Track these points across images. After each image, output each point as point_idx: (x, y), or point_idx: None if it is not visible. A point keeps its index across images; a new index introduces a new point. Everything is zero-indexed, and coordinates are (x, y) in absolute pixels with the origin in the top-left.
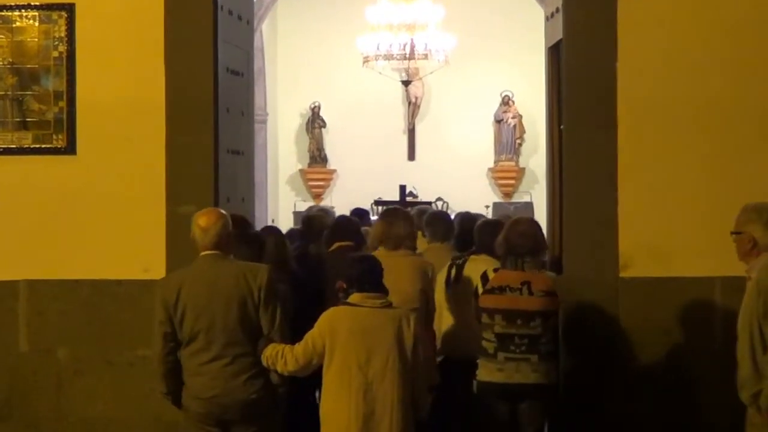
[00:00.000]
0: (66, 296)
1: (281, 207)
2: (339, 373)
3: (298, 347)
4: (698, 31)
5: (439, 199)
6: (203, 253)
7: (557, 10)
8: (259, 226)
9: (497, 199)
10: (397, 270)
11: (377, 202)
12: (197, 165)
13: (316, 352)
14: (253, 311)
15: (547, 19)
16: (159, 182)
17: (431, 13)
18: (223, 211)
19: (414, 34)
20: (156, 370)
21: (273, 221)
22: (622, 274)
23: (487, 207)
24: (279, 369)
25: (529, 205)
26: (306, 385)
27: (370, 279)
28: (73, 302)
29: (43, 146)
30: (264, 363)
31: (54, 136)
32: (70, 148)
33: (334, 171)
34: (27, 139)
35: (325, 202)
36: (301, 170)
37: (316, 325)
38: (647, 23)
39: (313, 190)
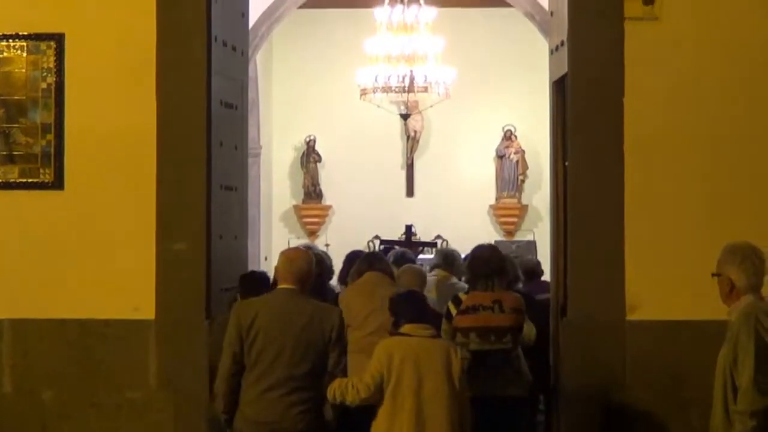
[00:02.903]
0: (52, 336)
1: (275, 244)
2: (392, 396)
3: (366, 376)
4: (707, 65)
5: (438, 237)
6: (281, 286)
7: (562, 43)
8: (252, 265)
9: (499, 237)
10: (384, 294)
11: (383, 242)
12: (189, 201)
13: (381, 377)
14: (320, 349)
15: (551, 52)
16: (149, 219)
17: (431, 45)
18: (310, 253)
19: (413, 66)
20: (218, 389)
21: (266, 259)
22: (629, 317)
23: None
24: (349, 398)
25: (531, 244)
26: None
27: (419, 311)
28: (59, 342)
29: (30, 180)
30: (330, 395)
31: (41, 170)
32: (57, 183)
33: (329, 207)
34: (13, 173)
35: (320, 240)
36: (295, 206)
37: (374, 354)
38: (655, 57)
39: (308, 226)
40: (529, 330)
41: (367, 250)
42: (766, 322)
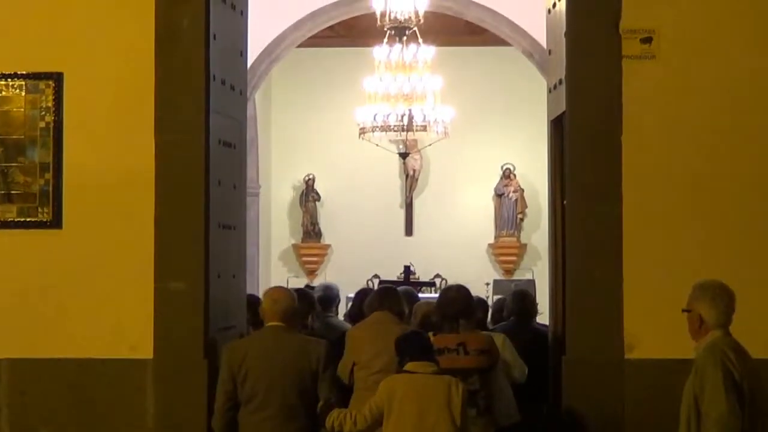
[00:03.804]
0: (49, 376)
1: (273, 283)
2: (394, 430)
3: (365, 409)
4: (705, 104)
5: (437, 276)
6: (269, 324)
7: (560, 81)
8: None
9: (498, 276)
10: (389, 334)
11: (382, 281)
12: (187, 240)
13: (379, 411)
14: (309, 379)
15: (549, 90)
16: (147, 257)
17: (430, 84)
18: (292, 290)
19: (412, 104)
20: (214, 425)
21: None
22: (628, 356)
23: (488, 284)
24: (347, 428)
25: (531, 283)
26: None
27: (421, 349)
28: (57, 382)
29: (28, 219)
30: (328, 424)
31: (39, 210)
32: (55, 222)
33: (328, 246)
34: (11, 213)
35: (319, 279)
36: (294, 245)
37: (378, 390)
38: (653, 95)
39: (307, 266)
40: (521, 371)
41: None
42: (732, 356)
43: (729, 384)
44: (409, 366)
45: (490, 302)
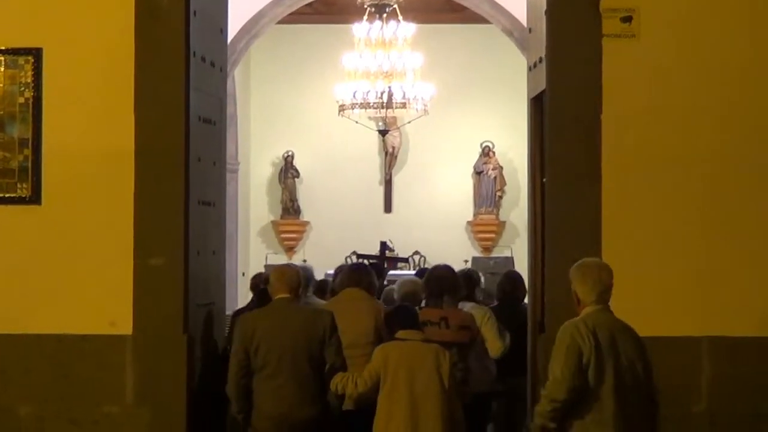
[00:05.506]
0: (29, 351)
1: (252, 260)
2: (389, 393)
3: (365, 373)
4: (684, 83)
5: (416, 253)
6: (277, 296)
7: (540, 59)
8: (228, 281)
9: (477, 254)
10: (357, 310)
11: (360, 256)
12: (167, 216)
13: (377, 375)
14: (317, 346)
15: (530, 68)
16: (127, 234)
17: (410, 61)
18: (297, 266)
19: (392, 81)
20: (229, 393)
21: (243, 275)
22: None
23: (466, 261)
24: (349, 390)
25: (509, 260)
26: None
27: (410, 319)
28: (37, 358)
29: (7, 195)
30: (333, 387)
31: (18, 185)
32: (35, 198)
33: (307, 223)
34: None
35: (298, 256)
36: (273, 222)
37: (373, 356)
38: (633, 73)
39: (286, 242)
40: (494, 345)
41: None
42: (583, 331)
43: (569, 355)
44: (400, 334)
45: None
